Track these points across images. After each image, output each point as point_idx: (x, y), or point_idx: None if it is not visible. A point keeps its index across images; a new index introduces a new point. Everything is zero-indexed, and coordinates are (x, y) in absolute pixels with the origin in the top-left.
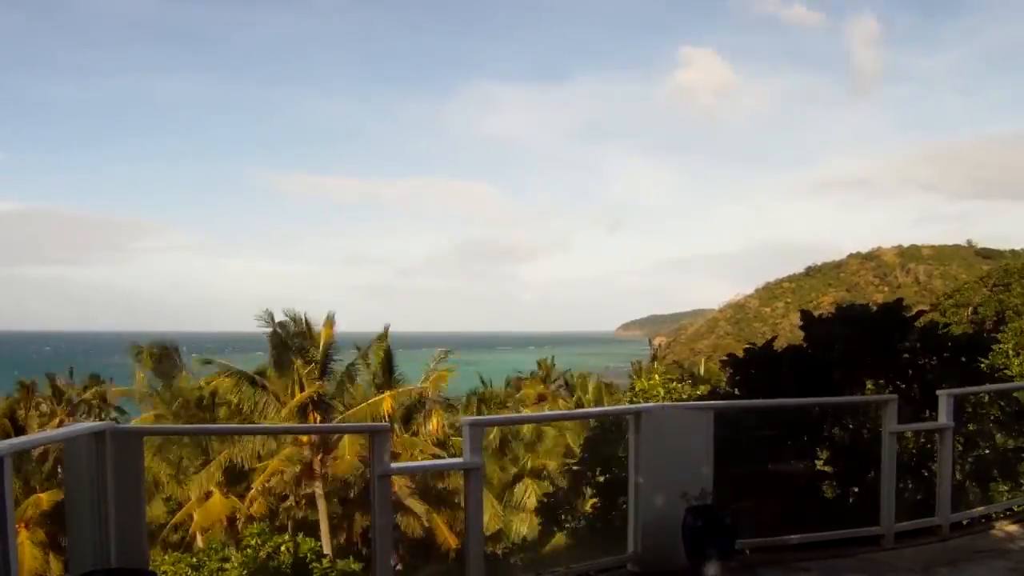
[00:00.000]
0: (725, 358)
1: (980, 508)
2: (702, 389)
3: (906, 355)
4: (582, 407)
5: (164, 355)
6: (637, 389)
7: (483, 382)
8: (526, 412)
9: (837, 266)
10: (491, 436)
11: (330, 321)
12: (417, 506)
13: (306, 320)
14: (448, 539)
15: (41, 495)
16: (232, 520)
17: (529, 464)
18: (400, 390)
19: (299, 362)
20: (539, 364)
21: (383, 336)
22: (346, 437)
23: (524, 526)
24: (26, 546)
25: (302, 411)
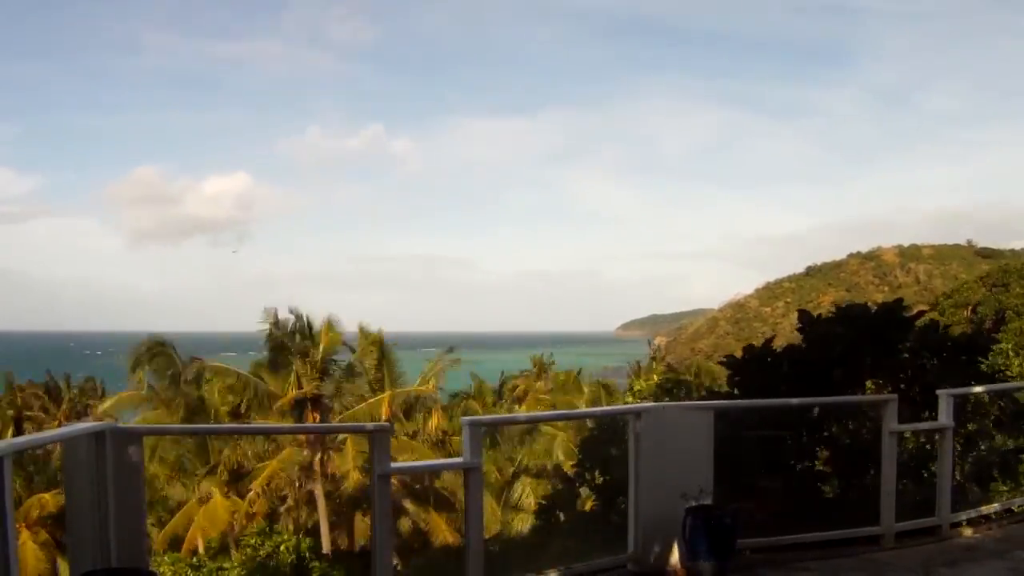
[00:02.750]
0: (724, 359)
1: (980, 508)
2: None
3: (906, 355)
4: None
5: (162, 354)
6: (635, 390)
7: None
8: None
9: (837, 266)
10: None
11: (330, 321)
12: (414, 506)
13: (307, 319)
14: (447, 538)
15: (46, 495)
16: (232, 521)
17: (525, 461)
18: (399, 390)
19: (298, 362)
20: (533, 362)
21: (376, 335)
22: (349, 446)
23: (522, 525)
24: (29, 547)
25: (299, 411)
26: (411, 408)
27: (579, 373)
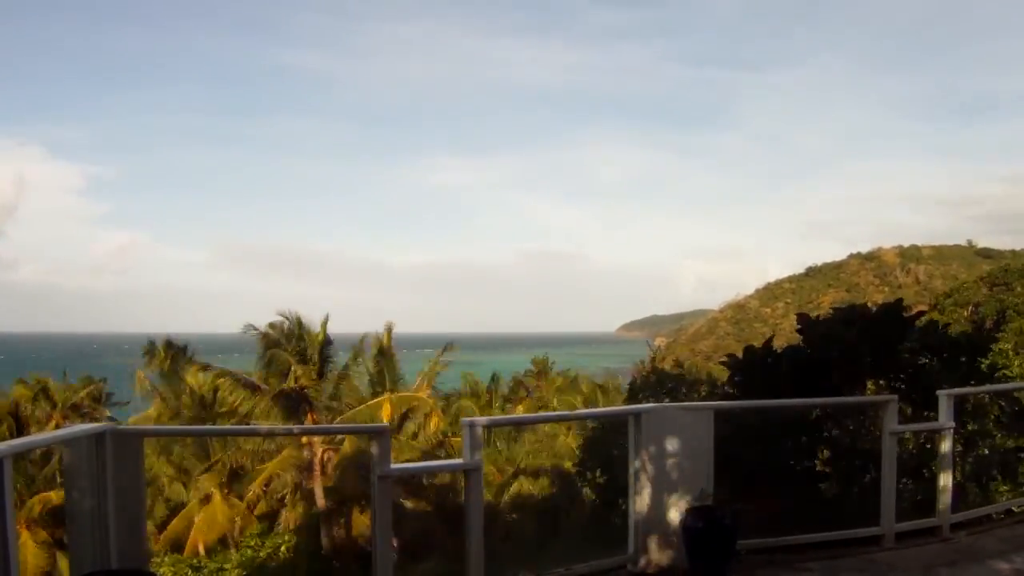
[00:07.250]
0: (725, 358)
1: (980, 509)
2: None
3: (906, 355)
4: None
5: (174, 354)
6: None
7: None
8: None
9: (837, 266)
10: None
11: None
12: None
13: (299, 321)
14: (447, 538)
15: (50, 494)
16: (232, 521)
17: (523, 463)
18: (401, 394)
19: (295, 363)
20: (534, 363)
21: (384, 336)
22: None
23: (523, 526)
24: (29, 546)
25: (295, 411)
26: (411, 411)
27: (575, 378)
